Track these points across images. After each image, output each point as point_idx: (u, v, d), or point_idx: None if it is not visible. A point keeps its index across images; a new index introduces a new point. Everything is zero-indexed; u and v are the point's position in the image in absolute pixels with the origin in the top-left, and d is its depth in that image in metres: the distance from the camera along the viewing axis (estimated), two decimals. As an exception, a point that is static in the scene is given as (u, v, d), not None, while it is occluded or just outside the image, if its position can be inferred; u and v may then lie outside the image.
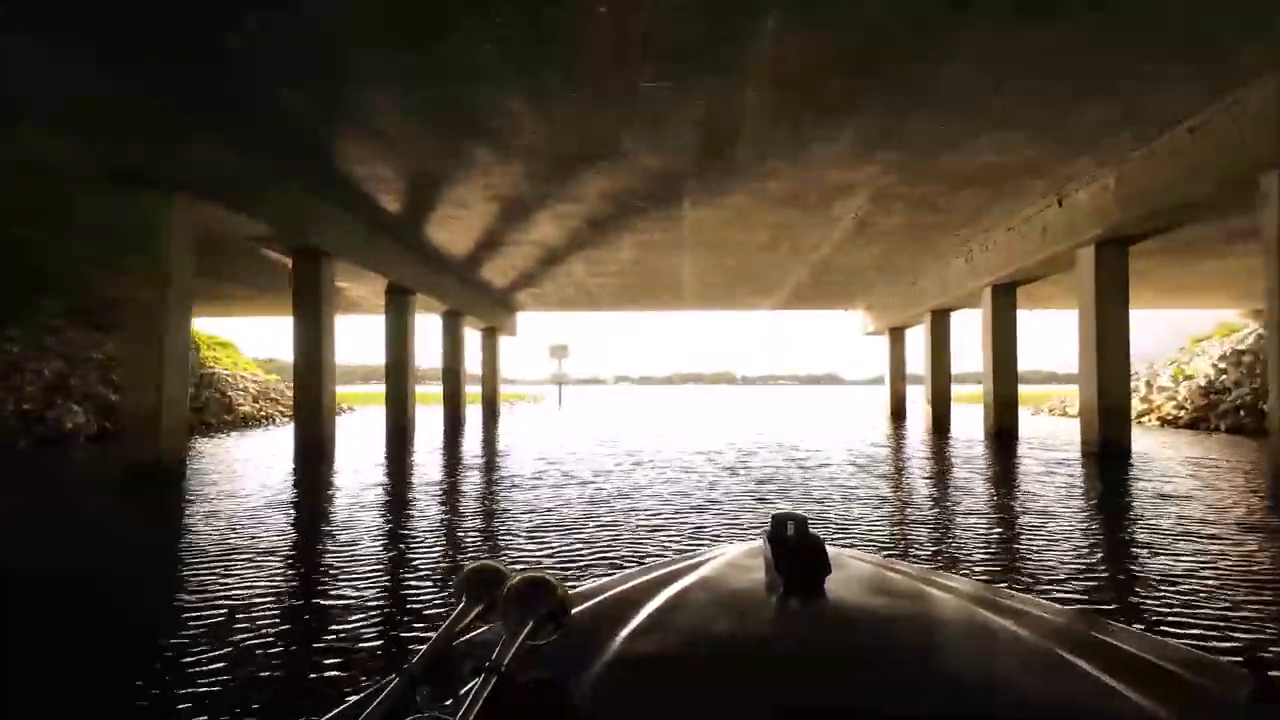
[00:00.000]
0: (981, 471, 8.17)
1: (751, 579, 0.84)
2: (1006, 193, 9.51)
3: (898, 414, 19.49)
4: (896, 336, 19.89)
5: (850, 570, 0.88)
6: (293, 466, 8.83)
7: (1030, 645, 0.70)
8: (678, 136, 7.53)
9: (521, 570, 0.71)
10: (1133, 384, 19.12)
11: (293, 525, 5.13)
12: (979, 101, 6.66)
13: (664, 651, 0.68)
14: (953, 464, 8.91)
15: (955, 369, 16.37)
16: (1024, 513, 5.51)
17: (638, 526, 5.00)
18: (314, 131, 7.53)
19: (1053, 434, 13.71)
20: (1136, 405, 17.21)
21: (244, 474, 8.10)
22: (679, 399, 43.24)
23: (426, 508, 5.86)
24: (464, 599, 0.68)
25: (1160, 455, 9.69)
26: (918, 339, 19.75)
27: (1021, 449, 10.63)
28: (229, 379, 18.87)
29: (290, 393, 21.43)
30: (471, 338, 20.73)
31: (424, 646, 0.59)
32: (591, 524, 5.11)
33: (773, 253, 13.25)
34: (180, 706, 2.18)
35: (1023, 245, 10.92)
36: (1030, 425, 15.74)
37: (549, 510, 5.63)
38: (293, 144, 7.87)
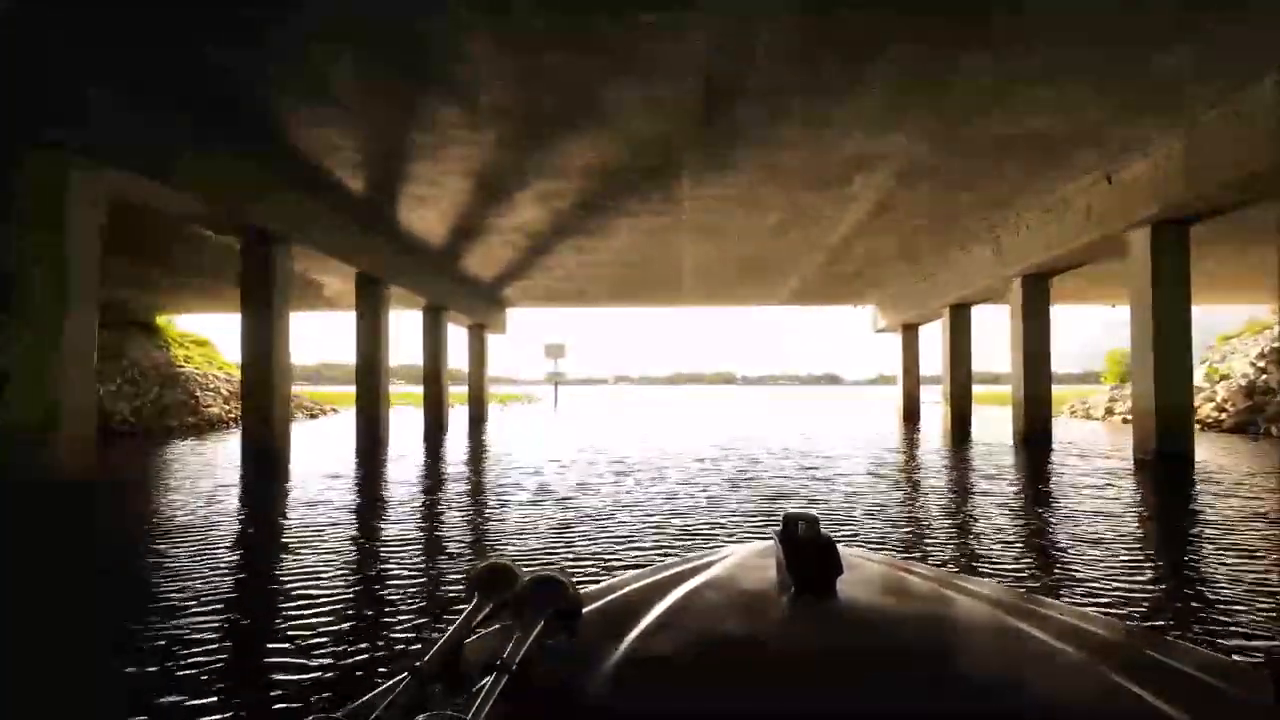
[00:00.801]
0: (1027, 483, 7.01)
1: (763, 579, 0.83)
2: (1051, 166, 8.34)
3: (911, 416, 18.30)
4: (910, 334, 18.70)
5: (863, 571, 0.86)
6: (229, 480, 7.68)
7: (1047, 648, 0.67)
8: (676, 90, 6.38)
9: (533, 569, 0.71)
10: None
11: (162, 568, 3.98)
12: (1041, 43, 5.51)
13: (676, 651, 0.67)
14: (990, 474, 7.75)
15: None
16: (1110, 541, 4.34)
17: (613, 563, 3.85)
18: (246, 85, 6.39)
19: (1088, 439, 12.54)
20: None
21: (165, 490, 6.96)
22: (678, 399, 42.17)
23: (356, 538, 4.71)
24: (476, 597, 0.68)
25: (1224, 464, 8.51)
26: (931, 337, 18.64)
27: (1064, 457, 9.46)
28: (199, 379, 17.74)
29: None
30: (458, 335, 19.60)
31: (436, 644, 0.59)
32: (555, 559, 3.97)
33: (781, 240, 12.08)
34: None
35: (1061, 229, 9.76)
36: (1058, 429, 14.55)
37: (507, 540, 4.48)
38: (222, 100, 6.73)
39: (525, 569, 0.72)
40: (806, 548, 0.80)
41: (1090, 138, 7.46)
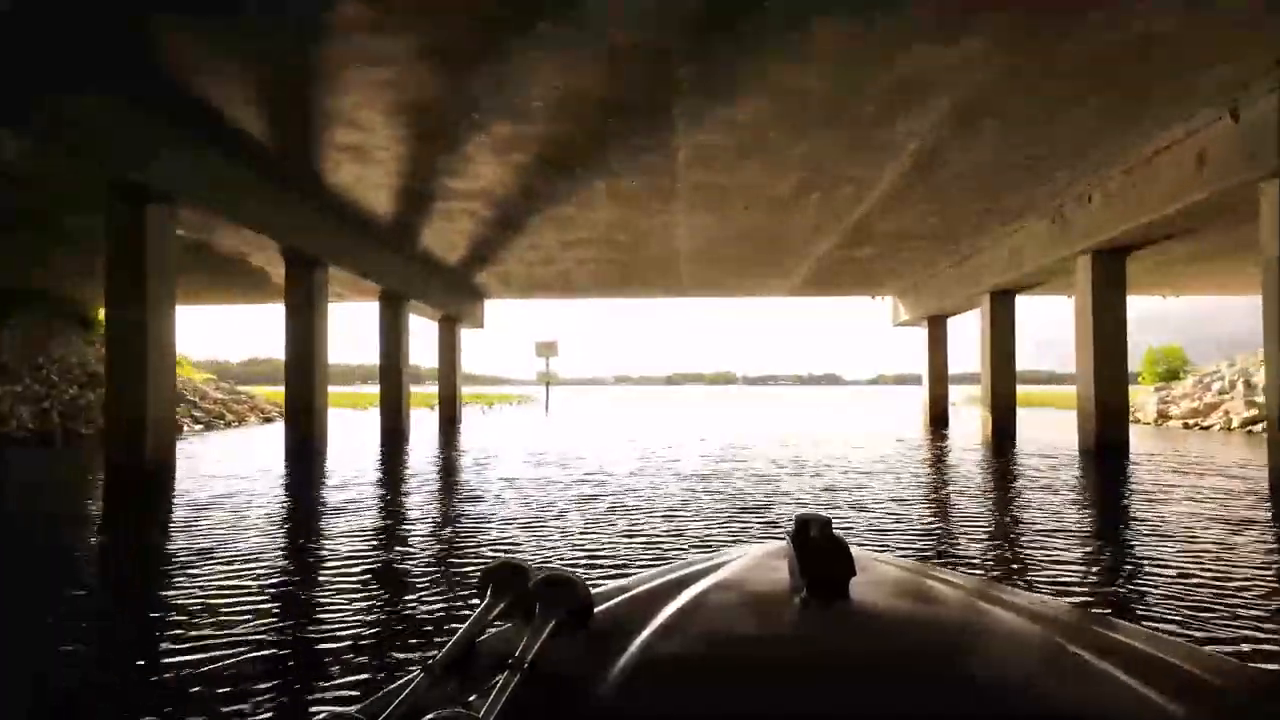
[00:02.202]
0: (1147, 513, 4.97)
1: (775, 580, 0.81)
2: (1161, 95, 6.33)
3: (939, 419, 16.26)
4: (937, 327, 16.62)
5: (876, 573, 0.84)
6: (67, 508, 5.67)
7: (1063, 651, 0.66)
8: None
9: (545, 567, 0.71)
10: (1224, 383, 15.95)
11: None
12: None
13: (687, 651, 0.66)
14: (1079, 500, 5.75)
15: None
16: None
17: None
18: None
19: (1166, 449, 10.49)
20: (1240, 410, 14.04)
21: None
22: (678, 400, 40.26)
23: (148, 631, 2.70)
24: (488, 595, 0.69)
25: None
26: (958, 331, 16.67)
27: (1159, 473, 7.44)
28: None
29: (220, 394, 18.28)
30: (429, 330, 17.57)
31: (449, 642, 0.60)
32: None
33: (796, 212, 10.05)
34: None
35: (1155, 189, 7.74)
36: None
37: (370, 637, 2.45)
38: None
39: (537, 567, 0.72)
40: (819, 549, 0.77)
41: (1236, 44, 5.43)
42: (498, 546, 4.22)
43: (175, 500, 6.05)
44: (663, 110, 6.66)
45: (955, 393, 23.05)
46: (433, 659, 0.57)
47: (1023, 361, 15.78)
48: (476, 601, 0.69)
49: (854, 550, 0.79)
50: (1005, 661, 0.66)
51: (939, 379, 16.77)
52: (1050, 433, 13.69)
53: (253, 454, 10.11)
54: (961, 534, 4.68)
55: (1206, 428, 14.38)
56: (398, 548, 4.19)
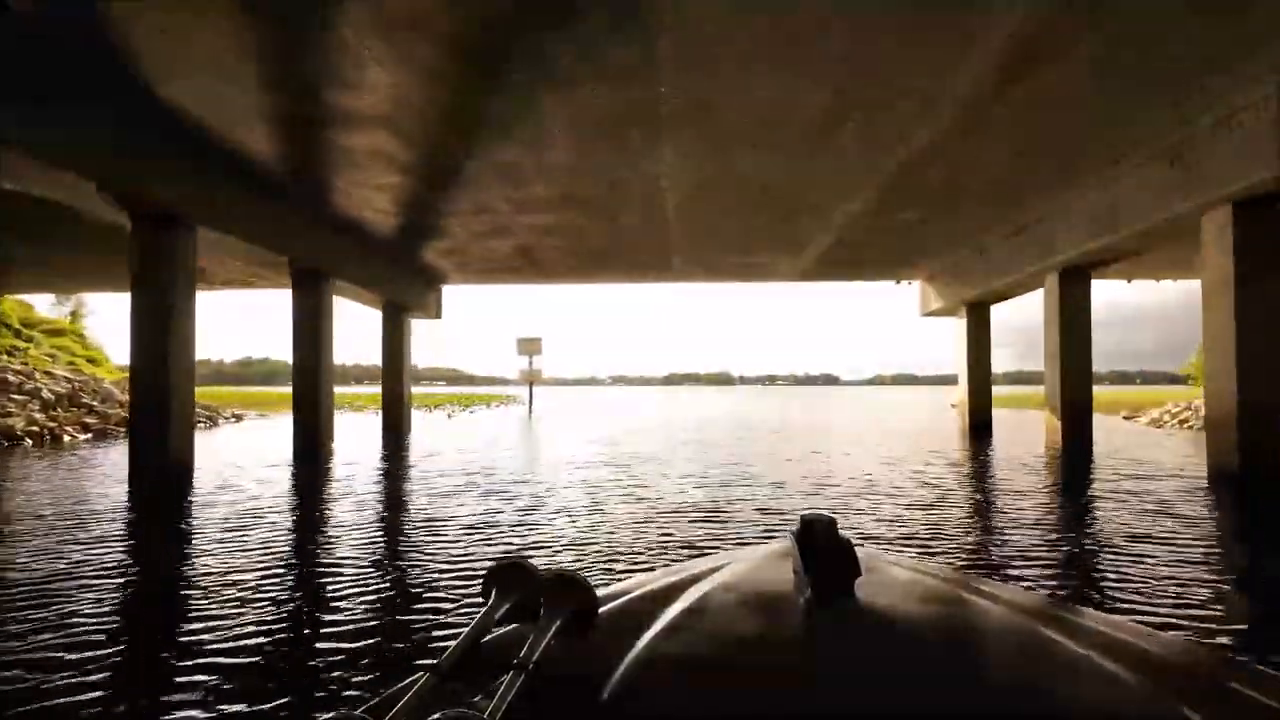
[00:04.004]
0: None
1: (780, 580, 0.81)
2: None
3: (979, 428, 13.67)
4: (978, 315, 14.01)
5: (880, 573, 0.84)
6: None
7: (1068, 652, 0.65)
8: None
9: (550, 568, 0.70)
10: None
11: None
12: None
13: (692, 651, 0.66)
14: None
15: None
16: None
17: None
18: None
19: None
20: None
21: None
22: (676, 401, 37.83)
23: None
24: (494, 596, 0.69)
25: None
26: (995, 321, 14.12)
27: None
28: (9, 378, 13.05)
29: (123, 395, 15.66)
30: (374, 320, 14.94)
31: (454, 642, 0.59)
32: None
33: (824, 146, 7.39)
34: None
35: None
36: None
37: None
38: None
39: (543, 567, 0.70)
40: (823, 549, 0.77)
41: None
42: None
43: None
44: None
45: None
46: (439, 659, 0.57)
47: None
48: (482, 601, 0.68)
49: (860, 551, 0.79)
50: (1013, 663, 0.65)
51: (981, 378, 14.13)
52: (1119, 445, 11.15)
53: (87, 476, 7.50)
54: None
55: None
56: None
